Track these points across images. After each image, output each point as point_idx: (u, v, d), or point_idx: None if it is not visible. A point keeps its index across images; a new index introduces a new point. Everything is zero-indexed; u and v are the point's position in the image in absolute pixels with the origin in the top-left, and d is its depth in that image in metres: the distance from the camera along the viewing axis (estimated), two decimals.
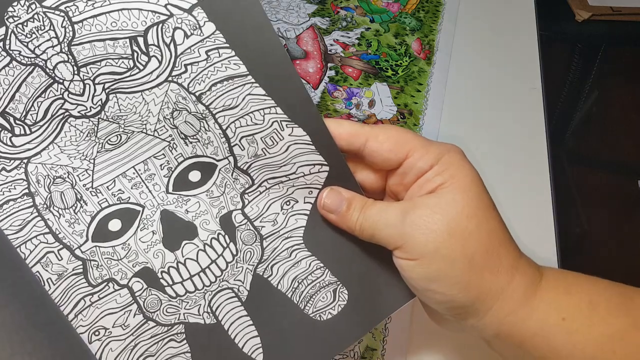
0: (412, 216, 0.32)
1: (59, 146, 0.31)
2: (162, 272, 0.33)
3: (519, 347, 0.32)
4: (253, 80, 0.31)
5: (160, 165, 0.33)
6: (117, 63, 0.31)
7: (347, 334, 0.35)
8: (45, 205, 0.31)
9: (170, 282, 0.33)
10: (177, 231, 0.33)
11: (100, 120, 0.31)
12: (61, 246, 0.32)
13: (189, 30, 0.31)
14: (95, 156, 0.32)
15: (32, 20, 0.30)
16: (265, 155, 0.33)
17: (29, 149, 0.31)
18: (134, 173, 0.32)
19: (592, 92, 1.35)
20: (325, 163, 0.33)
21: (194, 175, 0.33)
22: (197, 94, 0.31)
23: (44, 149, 0.31)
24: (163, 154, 0.32)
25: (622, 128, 1.50)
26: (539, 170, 0.58)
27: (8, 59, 0.30)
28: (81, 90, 0.31)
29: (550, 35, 1.03)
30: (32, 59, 0.30)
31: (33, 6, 0.30)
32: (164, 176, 0.33)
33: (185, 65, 0.31)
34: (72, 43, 0.30)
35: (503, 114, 0.62)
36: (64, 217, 0.31)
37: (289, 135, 0.32)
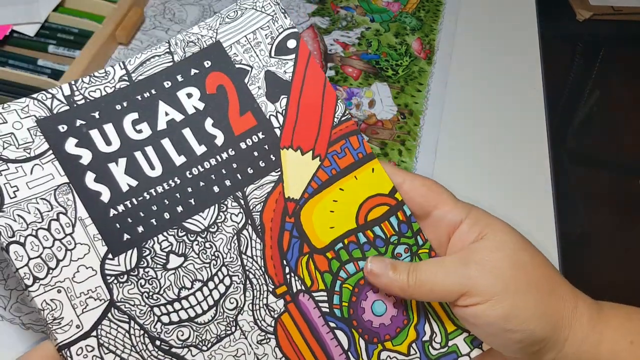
0: (475, 259, 0.32)
1: None
2: None
3: None
4: None
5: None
6: None
7: None
8: None
9: None
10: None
11: None
12: None
13: None
14: None
15: None
16: None
17: None
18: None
19: (593, 91, 1.34)
20: None
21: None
22: None
23: None
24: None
25: (623, 128, 1.50)
26: (539, 170, 0.58)
27: None
28: None
29: (552, 34, 1.03)
30: None
31: None
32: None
33: None
34: None
35: (504, 113, 0.62)
36: None
37: None
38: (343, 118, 0.34)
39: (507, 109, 0.63)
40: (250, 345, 0.33)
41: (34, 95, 0.33)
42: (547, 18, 0.78)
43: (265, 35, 0.36)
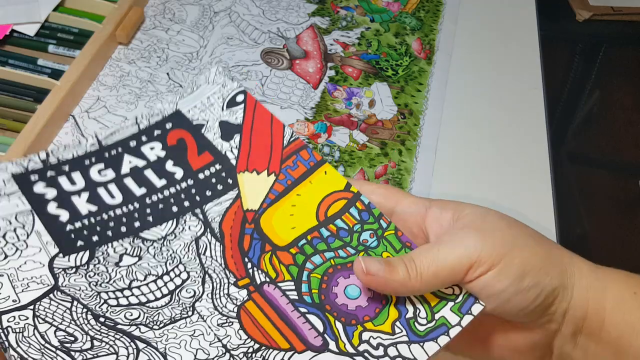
0: (470, 227, 0.31)
1: None
2: None
3: (599, 333, 0.31)
4: None
5: None
6: None
7: None
8: None
9: None
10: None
11: None
12: None
13: None
14: None
15: None
16: None
17: None
18: None
19: (593, 92, 1.34)
20: None
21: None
22: None
23: None
24: None
25: (623, 128, 1.50)
26: (539, 170, 0.58)
27: None
28: None
29: (551, 35, 1.03)
30: None
31: None
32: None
33: None
34: None
35: (504, 114, 0.62)
36: None
37: None
38: (292, 139, 0.37)
39: (507, 109, 0.63)
40: (210, 327, 0.32)
41: (13, 159, 0.37)
42: (547, 18, 0.78)
43: (217, 97, 0.39)
